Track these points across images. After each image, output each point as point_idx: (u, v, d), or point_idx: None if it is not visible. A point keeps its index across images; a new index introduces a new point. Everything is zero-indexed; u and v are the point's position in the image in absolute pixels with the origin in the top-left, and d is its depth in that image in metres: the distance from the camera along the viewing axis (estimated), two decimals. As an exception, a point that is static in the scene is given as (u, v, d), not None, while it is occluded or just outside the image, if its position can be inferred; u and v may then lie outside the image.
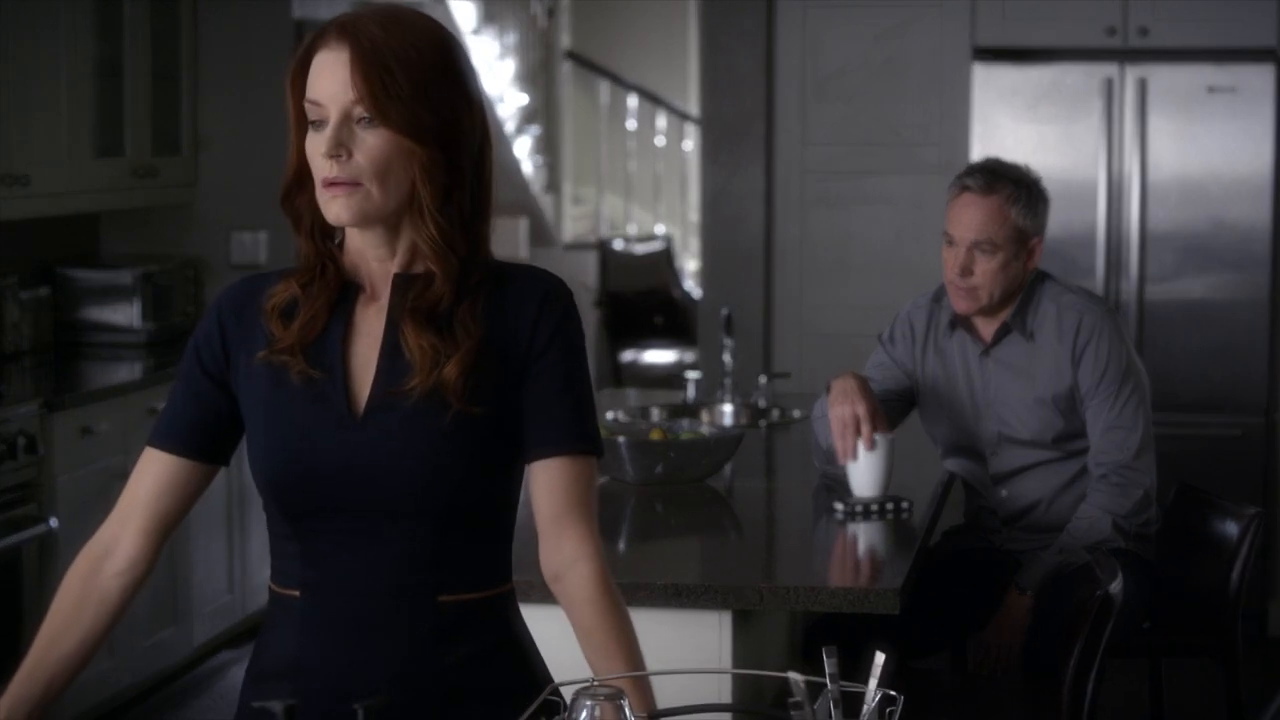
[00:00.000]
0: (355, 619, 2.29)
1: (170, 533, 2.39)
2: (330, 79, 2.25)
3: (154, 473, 2.36)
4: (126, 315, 6.29)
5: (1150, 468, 4.18)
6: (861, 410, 4.01)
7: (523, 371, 2.31)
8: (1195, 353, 6.35)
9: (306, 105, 2.28)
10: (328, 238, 2.34)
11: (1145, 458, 4.16)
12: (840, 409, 4.02)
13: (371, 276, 2.33)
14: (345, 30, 2.26)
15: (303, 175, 2.32)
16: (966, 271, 4.17)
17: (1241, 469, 6.30)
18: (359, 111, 2.24)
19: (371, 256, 2.33)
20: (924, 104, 6.60)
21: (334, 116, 2.25)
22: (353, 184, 2.25)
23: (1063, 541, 4.10)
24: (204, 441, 2.36)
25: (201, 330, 2.38)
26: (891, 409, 4.29)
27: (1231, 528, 4.23)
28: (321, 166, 2.26)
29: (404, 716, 2.25)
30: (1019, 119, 6.40)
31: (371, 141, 2.24)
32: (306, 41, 2.29)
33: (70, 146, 5.91)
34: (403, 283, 2.31)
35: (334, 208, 2.27)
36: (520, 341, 2.31)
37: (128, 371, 5.98)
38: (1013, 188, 4.19)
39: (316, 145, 2.26)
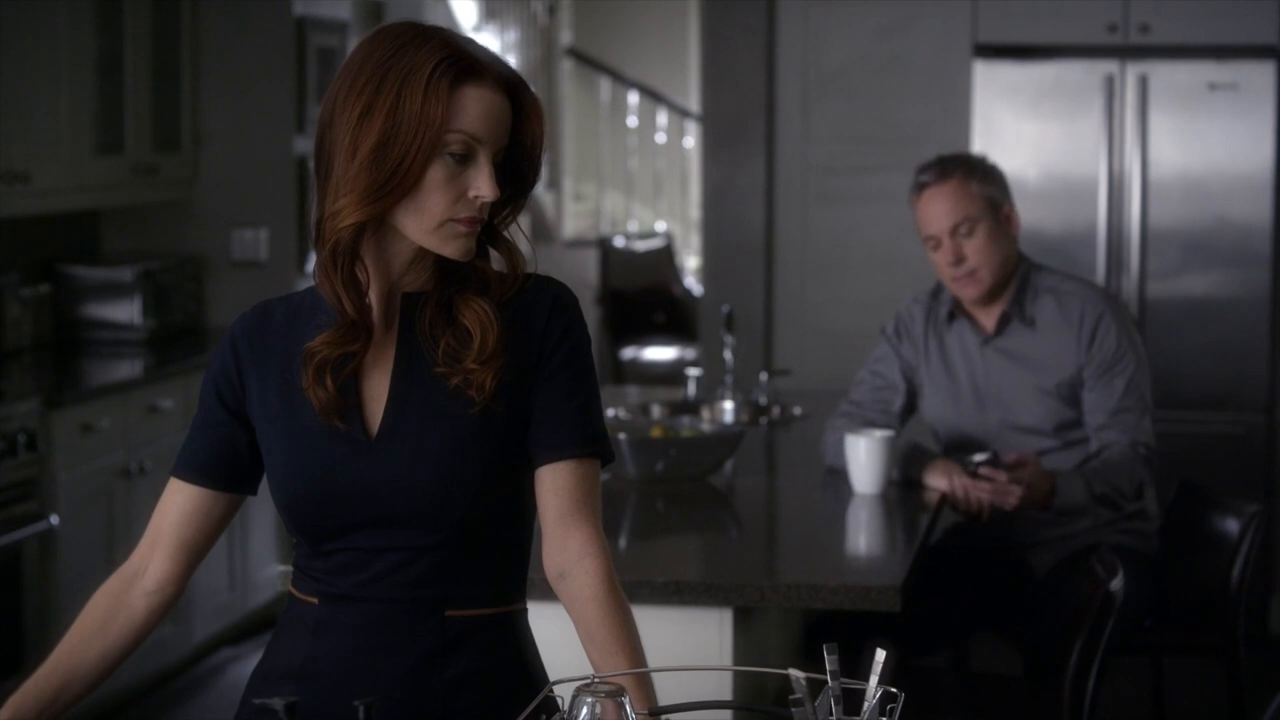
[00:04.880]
0: (366, 628, 2.30)
1: (201, 558, 2.39)
2: (497, 121, 2.24)
3: (177, 502, 2.36)
4: (127, 312, 6.29)
5: (1154, 456, 4.23)
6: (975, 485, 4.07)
7: (533, 377, 2.31)
8: (1196, 350, 6.35)
9: (453, 134, 2.21)
10: (355, 275, 2.27)
11: (1152, 445, 4.20)
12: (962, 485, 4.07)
13: (377, 298, 2.31)
14: (515, 80, 2.27)
15: (382, 215, 2.24)
16: (960, 258, 4.20)
17: (1242, 466, 6.30)
18: (497, 157, 2.25)
19: (394, 275, 2.29)
20: (925, 101, 6.60)
21: (486, 157, 2.23)
22: (480, 221, 2.26)
23: (1093, 466, 4.16)
24: (225, 472, 2.36)
25: (217, 360, 2.36)
26: (891, 404, 4.33)
27: (1232, 525, 4.23)
28: (467, 204, 2.23)
29: (404, 726, 2.26)
30: (1020, 116, 6.40)
31: (493, 182, 2.25)
32: (456, 65, 2.22)
33: (70, 143, 5.91)
34: (409, 301, 2.31)
35: (466, 243, 2.25)
36: (530, 348, 2.31)
37: (128, 369, 5.98)
38: (964, 166, 4.28)
39: (466, 179, 2.23)
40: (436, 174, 2.22)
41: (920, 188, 4.27)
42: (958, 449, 4.30)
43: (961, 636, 4.44)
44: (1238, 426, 6.36)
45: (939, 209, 4.22)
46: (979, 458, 4.11)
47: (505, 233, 2.34)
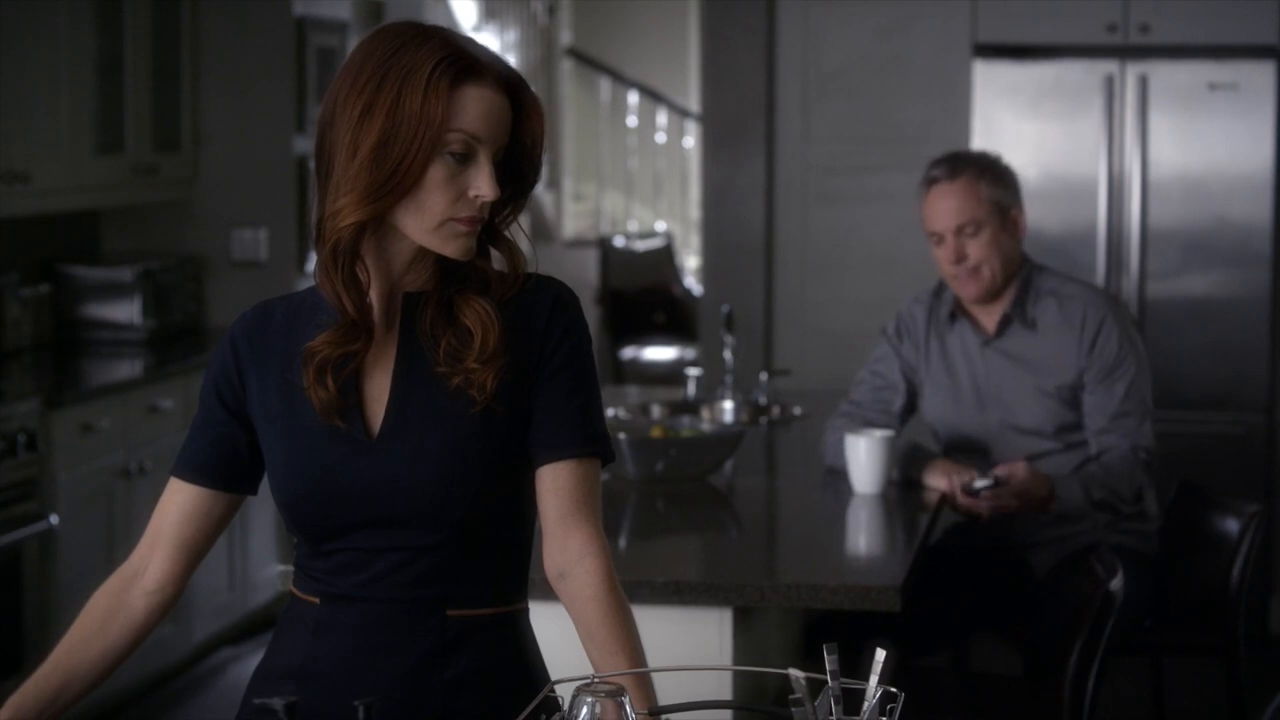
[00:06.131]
0: (366, 628, 2.30)
1: (201, 557, 2.39)
2: (497, 121, 2.24)
3: (177, 502, 2.36)
4: (127, 312, 6.29)
5: (1154, 460, 4.22)
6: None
7: (534, 377, 2.31)
8: (1196, 350, 6.34)
9: (453, 133, 2.21)
10: (356, 274, 2.27)
11: (1152, 449, 4.20)
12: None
13: (378, 297, 2.31)
14: (515, 80, 2.28)
15: (383, 212, 2.24)
16: (962, 257, 4.20)
17: (1242, 466, 6.30)
18: (497, 156, 2.25)
19: (395, 275, 2.29)
20: (925, 101, 6.60)
21: (486, 156, 2.23)
22: (480, 220, 2.26)
23: (1092, 471, 4.14)
24: (225, 472, 2.35)
25: (217, 360, 2.36)
26: (891, 404, 4.33)
27: (1232, 525, 4.23)
28: (467, 204, 2.23)
29: (403, 726, 2.26)
30: (1020, 116, 6.39)
31: (493, 181, 2.25)
32: (456, 65, 2.22)
33: (71, 143, 5.91)
34: (410, 301, 2.31)
35: (467, 243, 2.25)
36: (531, 348, 2.31)
37: (128, 369, 5.98)
38: (976, 167, 4.27)
39: (466, 178, 2.23)
40: (437, 173, 2.22)
41: (930, 182, 4.26)
42: (958, 449, 4.30)
43: (961, 636, 4.44)
44: (1238, 426, 6.35)
45: (945, 207, 4.22)
46: (980, 484, 4.05)
47: (506, 232, 2.34)
